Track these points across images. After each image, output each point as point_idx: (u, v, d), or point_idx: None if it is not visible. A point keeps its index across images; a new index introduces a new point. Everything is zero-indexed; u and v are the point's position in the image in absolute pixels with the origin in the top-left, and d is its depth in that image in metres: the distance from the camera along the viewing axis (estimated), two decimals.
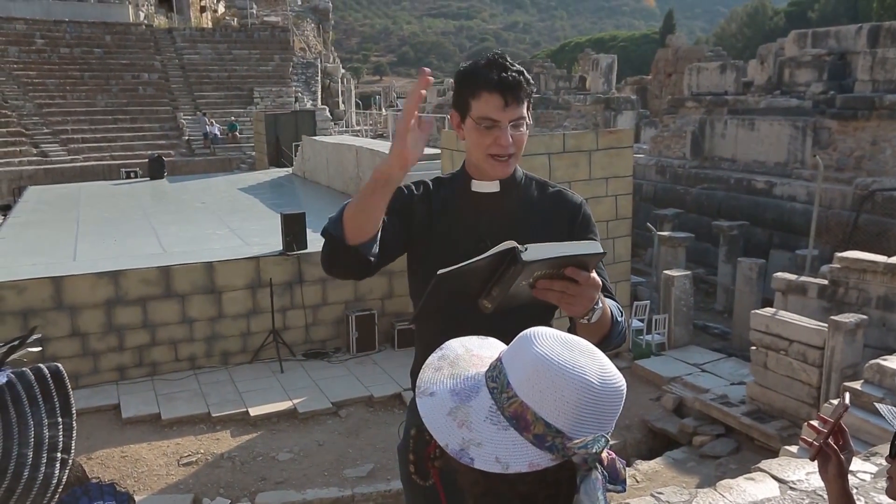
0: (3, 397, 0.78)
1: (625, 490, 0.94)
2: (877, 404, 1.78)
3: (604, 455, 0.92)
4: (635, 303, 10.13)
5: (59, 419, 0.80)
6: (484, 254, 1.46)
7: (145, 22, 31.20)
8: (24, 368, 0.85)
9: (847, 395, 1.75)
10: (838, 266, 8.49)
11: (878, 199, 12.14)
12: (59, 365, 0.84)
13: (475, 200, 1.98)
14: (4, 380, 0.82)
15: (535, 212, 2.01)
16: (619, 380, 0.96)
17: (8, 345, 0.93)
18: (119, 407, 8.08)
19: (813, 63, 15.26)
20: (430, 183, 2.08)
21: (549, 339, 0.97)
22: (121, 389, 8.49)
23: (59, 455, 0.78)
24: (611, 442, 0.94)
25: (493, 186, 1.98)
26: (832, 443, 1.65)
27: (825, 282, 8.61)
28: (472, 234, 1.95)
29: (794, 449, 6.03)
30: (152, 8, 34.80)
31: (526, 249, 1.42)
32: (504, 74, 1.82)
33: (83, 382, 8.46)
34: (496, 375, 0.96)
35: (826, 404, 6.38)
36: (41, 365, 0.84)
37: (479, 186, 1.98)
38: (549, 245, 1.48)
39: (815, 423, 1.72)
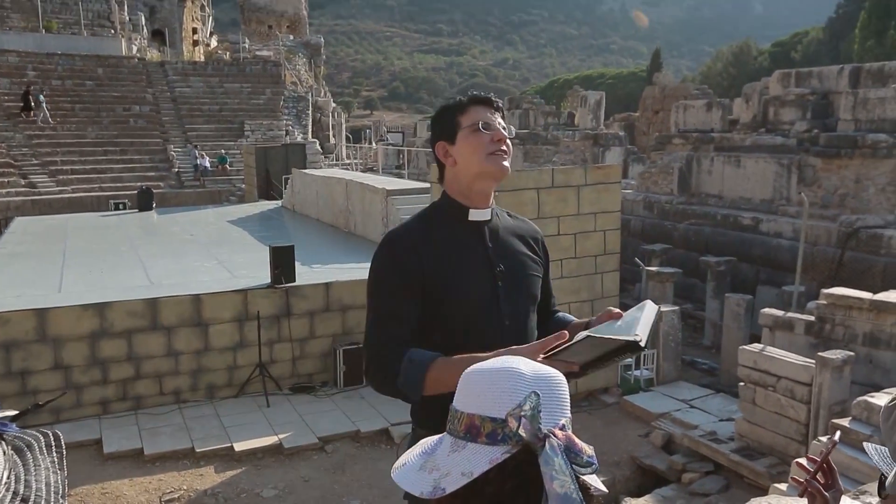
0: (21, 444, 0.91)
1: (597, 468, 0.98)
2: (864, 443, 1.78)
3: (559, 433, 0.96)
4: None
5: (59, 471, 0.92)
6: (608, 346, 1.60)
7: (137, 55, 31.42)
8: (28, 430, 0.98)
9: (837, 433, 1.75)
10: (825, 302, 8.54)
11: (863, 237, 12.27)
12: (59, 432, 0.99)
13: (476, 229, 2.03)
14: (18, 431, 0.95)
15: (518, 236, 2.12)
16: (554, 371, 1.02)
17: (36, 405, 1.08)
18: (101, 442, 7.94)
19: (797, 102, 15.53)
20: (420, 224, 2.06)
21: (478, 364, 1.07)
22: (103, 424, 8.36)
23: (60, 500, 0.89)
24: (562, 422, 0.98)
25: (486, 214, 2.05)
26: (820, 480, 1.64)
27: (812, 318, 8.65)
28: (485, 264, 2.01)
29: (783, 487, 5.99)
30: (145, 42, 35.11)
31: (642, 339, 1.57)
32: (483, 94, 2.05)
33: (65, 416, 8.33)
34: (450, 417, 1.03)
35: (815, 441, 6.36)
36: (45, 430, 0.99)
37: (475, 215, 2.03)
38: (643, 321, 1.62)
39: (802, 461, 1.72)
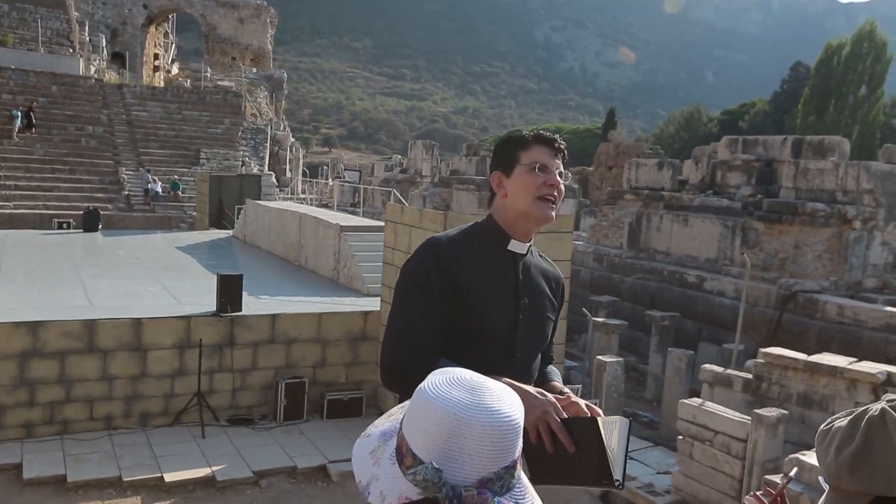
0: None
1: None
2: (819, 477, 1.80)
3: (468, 494, 0.91)
4: (567, 387, 10.19)
5: None
6: (590, 481, 1.72)
7: (95, 76, 30.97)
8: None
9: (794, 469, 1.78)
10: (762, 361, 8.77)
11: (800, 300, 12.70)
12: None
13: (512, 259, 2.08)
14: None
15: (544, 276, 2.16)
16: (496, 415, 0.92)
17: None
18: (21, 466, 7.58)
19: (743, 167, 16.15)
20: (464, 237, 2.08)
21: (438, 374, 0.99)
22: (25, 448, 7.98)
23: None
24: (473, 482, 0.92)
25: (524, 248, 2.09)
26: None
27: (750, 376, 8.86)
28: (513, 293, 2.05)
29: None
30: (104, 63, 34.66)
31: (620, 481, 1.65)
32: (548, 135, 2.08)
33: None
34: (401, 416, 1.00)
35: (746, 497, 6.45)
36: None
37: (514, 246, 2.07)
38: (620, 454, 1.68)
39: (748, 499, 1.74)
